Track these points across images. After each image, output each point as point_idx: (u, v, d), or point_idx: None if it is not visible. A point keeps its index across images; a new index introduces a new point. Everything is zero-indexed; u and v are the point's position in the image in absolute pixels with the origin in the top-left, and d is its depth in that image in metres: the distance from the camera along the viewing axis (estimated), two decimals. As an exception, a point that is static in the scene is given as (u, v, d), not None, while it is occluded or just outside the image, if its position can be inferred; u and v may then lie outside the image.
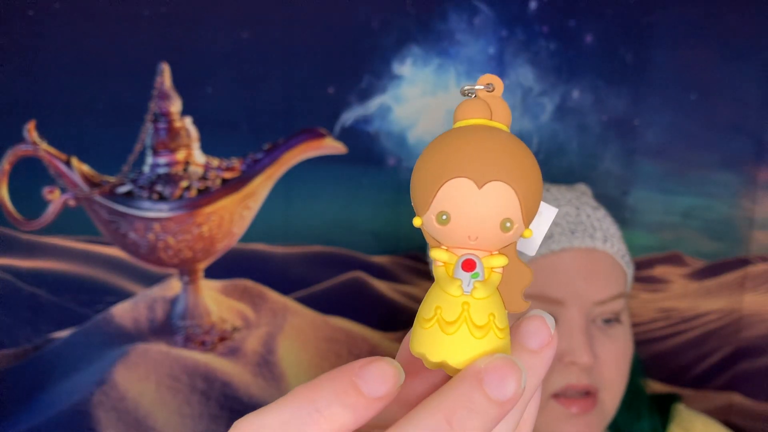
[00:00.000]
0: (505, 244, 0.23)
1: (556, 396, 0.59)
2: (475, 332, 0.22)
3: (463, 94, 0.25)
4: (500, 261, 0.23)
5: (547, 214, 0.25)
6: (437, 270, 0.24)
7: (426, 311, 0.23)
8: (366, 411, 0.20)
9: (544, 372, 0.21)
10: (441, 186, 0.22)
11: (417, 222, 0.24)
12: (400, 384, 0.21)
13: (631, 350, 0.65)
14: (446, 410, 0.20)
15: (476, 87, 0.24)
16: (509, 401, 0.20)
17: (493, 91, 0.24)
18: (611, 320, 0.61)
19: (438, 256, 0.24)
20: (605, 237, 0.62)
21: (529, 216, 0.23)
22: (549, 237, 0.60)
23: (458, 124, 0.24)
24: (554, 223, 0.61)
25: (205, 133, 0.96)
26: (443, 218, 0.22)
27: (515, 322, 0.23)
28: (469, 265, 0.23)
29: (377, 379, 0.20)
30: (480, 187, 0.22)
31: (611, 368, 0.60)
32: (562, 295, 0.58)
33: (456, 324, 0.22)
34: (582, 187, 0.72)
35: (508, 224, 0.23)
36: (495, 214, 0.22)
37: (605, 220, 0.65)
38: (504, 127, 0.24)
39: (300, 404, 0.21)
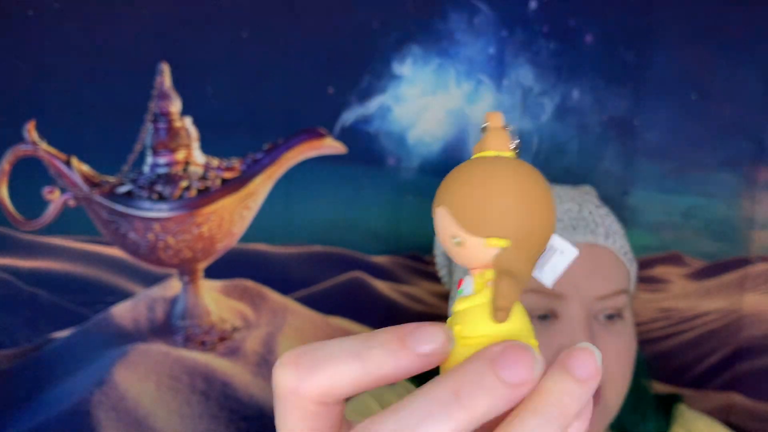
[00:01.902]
0: (485, 259, 0.24)
1: None
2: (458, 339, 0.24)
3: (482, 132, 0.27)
4: (489, 275, 0.24)
5: (566, 253, 0.27)
6: None
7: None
8: (413, 365, 0.22)
9: (585, 401, 0.22)
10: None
11: None
12: (449, 345, 0.22)
13: (634, 347, 0.65)
14: (455, 384, 0.20)
15: (483, 125, 0.26)
16: (519, 385, 0.20)
17: (485, 127, 0.26)
18: (613, 316, 0.61)
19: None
20: (607, 233, 0.63)
21: (472, 225, 0.24)
22: None
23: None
24: (557, 219, 0.61)
25: (205, 133, 0.96)
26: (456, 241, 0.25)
27: (566, 350, 0.23)
28: (458, 283, 0.25)
29: (426, 339, 0.22)
30: (433, 214, 0.25)
31: (613, 364, 0.60)
32: (563, 290, 0.58)
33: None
34: (586, 188, 0.72)
35: (457, 239, 0.24)
36: (444, 234, 0.25)
37: (608, 217, 0.65)
38: (494, 153, 0.26)
39: (354, 338, 0.23)
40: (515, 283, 0.24)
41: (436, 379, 0.21)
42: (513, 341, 0.22)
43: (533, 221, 0.24)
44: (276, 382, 0.23)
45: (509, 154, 0.26)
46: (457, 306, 0.24)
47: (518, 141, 0.26)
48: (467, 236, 0.24)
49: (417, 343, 0.22)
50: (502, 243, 0.24)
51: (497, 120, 0.26)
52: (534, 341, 0.24)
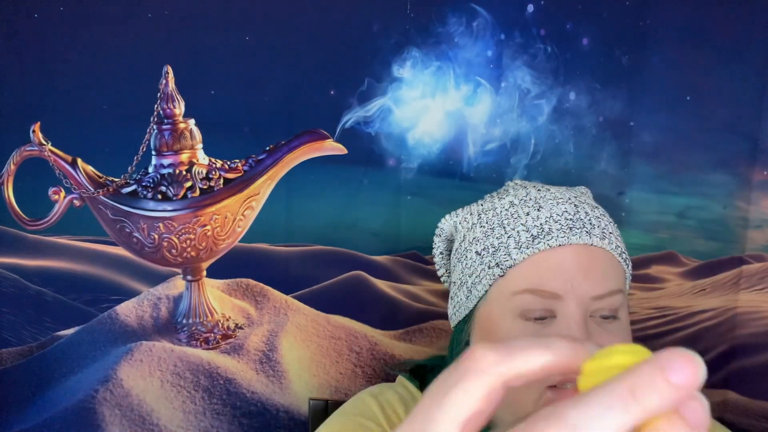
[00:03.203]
0: None
1: (553, 387, 0.60)
2: None
3: None
4: None
5: None
6: None
7: None
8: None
9: (666, 401, 0.23)
10: None
11: None
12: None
13: None
14: (631, 383, 0.23)
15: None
16: (684, 387, 0.23)
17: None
18: (609, 316, 0.62)
19: None
20: (603, 234, 0.64)
21: None
22: (548, 233, 0.62)
23: None
24: (553, 220, 0.63)
25: (208, 135, 0.97)
26: None
27: (669, 350, 0.24)
28: None
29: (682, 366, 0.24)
30: None
31: None
32: (560, 290, 0.59)
33: None
34: (582, 189, 0.73)
35: None
36: None
37: (603, 218, 0.66)
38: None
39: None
40: None
41: (610, 380, 0.24)
42: (678, 349, 0.23)
43: None
44: (475, 357, 0.25)
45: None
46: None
47: None
48: None
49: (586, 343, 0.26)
50: None
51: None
52: None
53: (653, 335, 1.04)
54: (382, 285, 1.03)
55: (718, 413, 1.03)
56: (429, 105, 0.98)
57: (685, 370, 0.23)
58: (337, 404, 0.76)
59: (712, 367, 1.05)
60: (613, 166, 1.00)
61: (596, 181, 0.99)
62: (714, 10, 0.96)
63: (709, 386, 1.05)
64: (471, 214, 0.68)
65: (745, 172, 1.00)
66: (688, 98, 0.99)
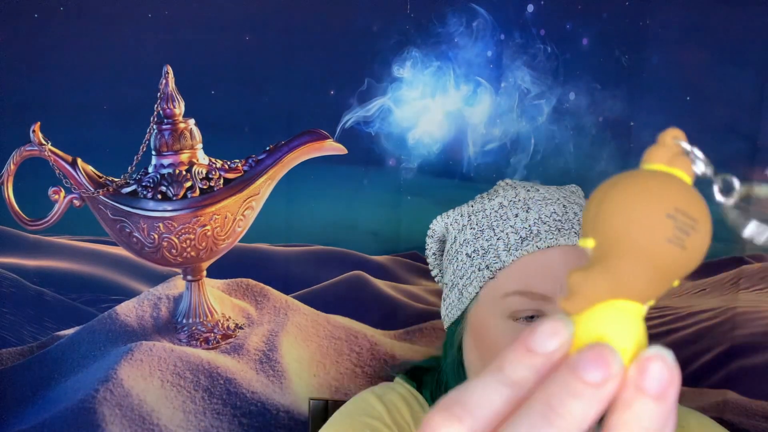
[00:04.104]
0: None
1: None
2: None
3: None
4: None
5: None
6: None
7: None
8: (545, 366, 0.22)
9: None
10: None
11: None
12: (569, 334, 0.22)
13: None
14: (546, 396, 0.21)
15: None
16: (602, 383, 0.21)
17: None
18: None
19: None
20: None
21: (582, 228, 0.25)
22: (536, 235, 0.62)
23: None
24: (542, 222, 0.63)
25: (208, 135, 0.97)
26: None
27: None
28: None
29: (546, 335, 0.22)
30: None
31: None
32: (549, 292, 0.59)
33: None
34: (573, 187, 0.73)
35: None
36: None
37: None
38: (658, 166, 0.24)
39: (489, 373, 0.22)
40: (594, 278, 0.23)
41: (530, 399, 0.22)
42: (589, 344, 0.22)
43: (620, 227, 0.22)
44: None
45: (672, 170, 0.24)
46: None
47: (704, 162, 0.24)
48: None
49: (542, 344, 0.22)
50: (589, 243, 0.24)
51: (673, 136, 0.24)
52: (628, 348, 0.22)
53: (653, 335, 1.04)
54: (382, 285, 1.03)
55: (718, 413, 1.03)
56: (429, 105, 0.98)
57: (599, 362, 0.21)
58: (337, 404, 0.76)
59: (711, 366, 1.05)
60: (613, 166, 1.00)
61: (596, 181, 0.98)
62: (714, 10, 0.96)
63: (708, 386, 1.05)
64: (461, 215, 0.68)
65: (745, 172, 1.00)
66: (687, 98, 0.99)
